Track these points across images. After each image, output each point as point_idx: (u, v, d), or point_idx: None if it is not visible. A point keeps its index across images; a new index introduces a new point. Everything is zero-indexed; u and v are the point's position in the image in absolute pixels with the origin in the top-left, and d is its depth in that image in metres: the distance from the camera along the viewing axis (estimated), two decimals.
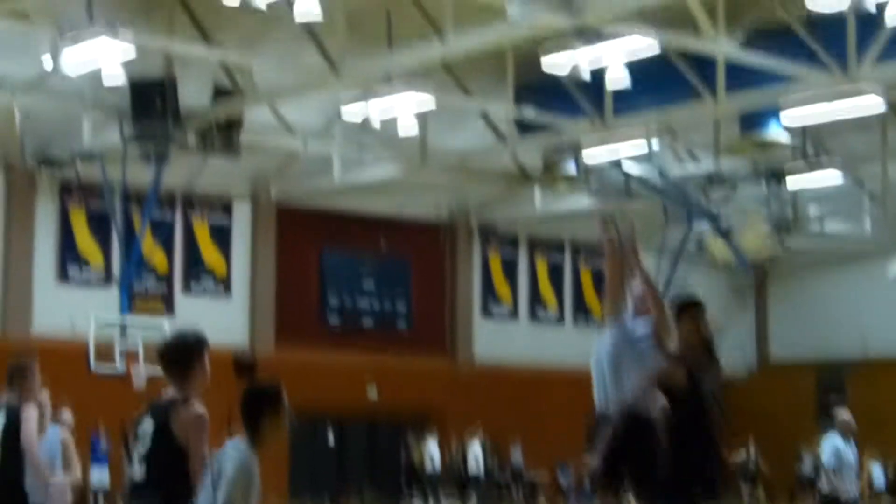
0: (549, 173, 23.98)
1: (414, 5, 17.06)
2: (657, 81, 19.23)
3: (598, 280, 30.77)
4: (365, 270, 27.31)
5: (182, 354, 5.85)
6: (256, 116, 21.32)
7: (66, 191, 23.74)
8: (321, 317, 26.85)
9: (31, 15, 16.68)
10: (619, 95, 19.54)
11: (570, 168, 23.55)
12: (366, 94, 19.56)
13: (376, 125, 20.25)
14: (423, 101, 19.87)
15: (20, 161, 22.73)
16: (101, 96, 20.12)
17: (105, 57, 18.30)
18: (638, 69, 18.01)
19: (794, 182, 23.65)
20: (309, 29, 17.78)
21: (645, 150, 21.96)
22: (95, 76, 19.09)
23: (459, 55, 17.87)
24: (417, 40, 17.63)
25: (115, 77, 18.98)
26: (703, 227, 24.55)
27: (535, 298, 30.01)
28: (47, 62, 18.25)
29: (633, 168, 23.01)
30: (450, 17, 16.59)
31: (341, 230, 26.88)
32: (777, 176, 23.20)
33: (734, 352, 32.34)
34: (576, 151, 22.35)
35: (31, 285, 23.37)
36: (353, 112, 20.57)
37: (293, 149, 22.66)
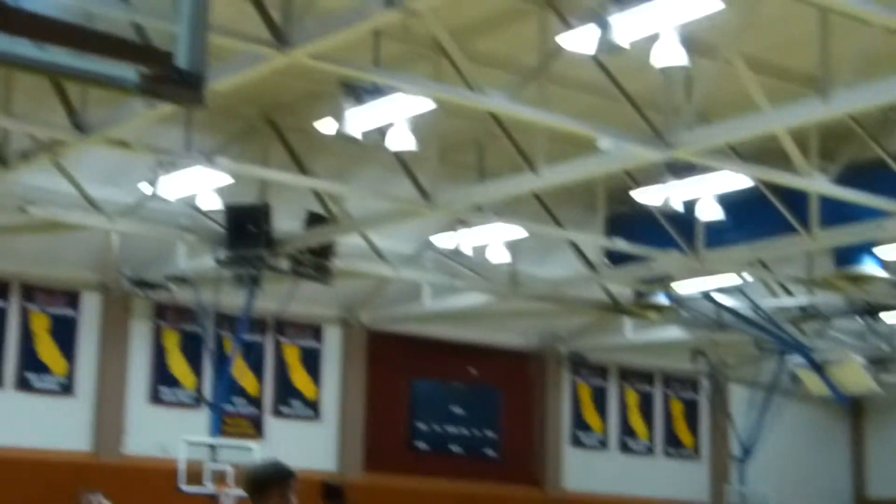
0: (640, 304, 23.85)
1: (506, 137, 17.17)
2: (749, 214, 19.10)
3: (689, 411, 30.40)
4: (454, 397, 27.22)
5: (261, 484, 5.89)
6: (348, 242, 21.52)
7: (159, 313, 24.06)
8: (410, 443, 26.75)
9: (131, 143, 17.07)
10: (711, 227, 19.45)
11: (661, 299, 23.41)
12: (456, 223, 19.72)
13: (467, 253, 20.39)
14: (513, 231, 20.01)
15: (116, 284, 23.17)
16: (196, 221, 20.52)
17: (201, 184, 18.74)
18: (730, 201, 17.96)
19: (890, 316, 23.32)
20: (402, 159, 17.98)
21: (737, 283, 21.80)
22: (191, 202, 19.52)
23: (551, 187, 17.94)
24: (509, 172, 17.74)
25: (210, 203, 19.41)
26: (796, 360, 24.20)
27: (625, 429, 29.67)
28: (145, 188, 18.68)
29: (724, 300, 22.84)
30: (542, 150, 16.70)
31: (431, 356, 26.89)
32: (873, 310, 22.88)
33: (830, 489, 31.67)
34: (667, 283, 22.24)
35: (123, 406, 23.59)
36: (443, 240, 20.74)
37: (384, 275, 22.80)
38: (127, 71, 4.87)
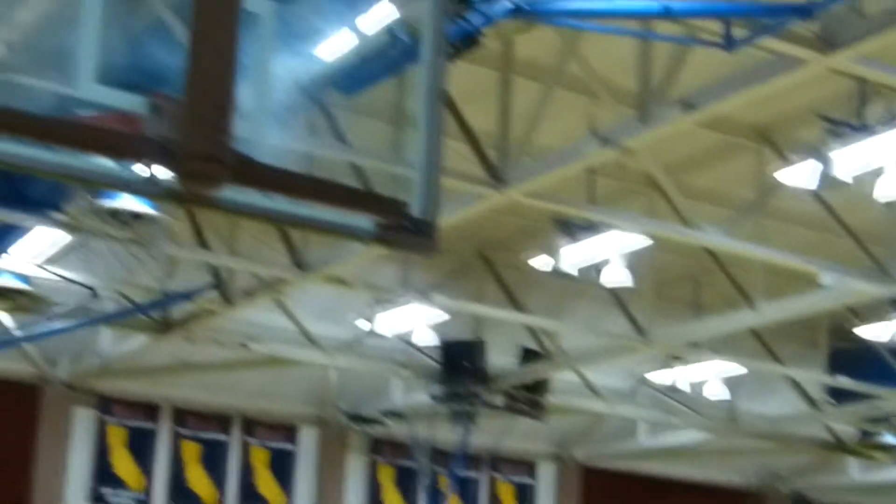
0: (866, 443, 23.04)
1: (722, 273, 16.96)
2: None
3: None
4: None
5: None
6: (562, 378, 21.42)
7: (375, 448, 24.27)
8: None
9: (349, 281, 17.42)
10: None
11: (889, 438, 22.58)
12: (672, 359, 19.47)
13: (684, 389, 20.09)
14: (731, 367, 19.65)
15: (333, 418, 23.52)
16: (411, 357, 20.73)
17: (417, 320, 18.98)
18: None
19: None
20: (616, 294, 17.90)
21: None
22: (407, 337, 19.76)
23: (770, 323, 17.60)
24: (725, 307, 17.48)
25: (425, 338, 19.62)
26: None
27: None
28: (362, 325, 19.02)
29: None
30: (759, 285, 16.43)
31: (648, 494, 26.40)
32: None
33: None
34: (894, 422, 21.47)
35: None
36: (659, 376, 20.49)
37: (598, 411, 22.57)
38: (362, 221, 4.99)
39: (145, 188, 4.75)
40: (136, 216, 13.98)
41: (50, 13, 8.59)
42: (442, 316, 18.97)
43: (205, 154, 4.35)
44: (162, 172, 4.58)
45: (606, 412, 22.59)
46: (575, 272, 15.84)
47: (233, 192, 4.75)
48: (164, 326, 19.19)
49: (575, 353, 20.29)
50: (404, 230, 4.97)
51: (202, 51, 4.29)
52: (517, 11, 9.64)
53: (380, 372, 21.59)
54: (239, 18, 4.42)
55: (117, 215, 13.57)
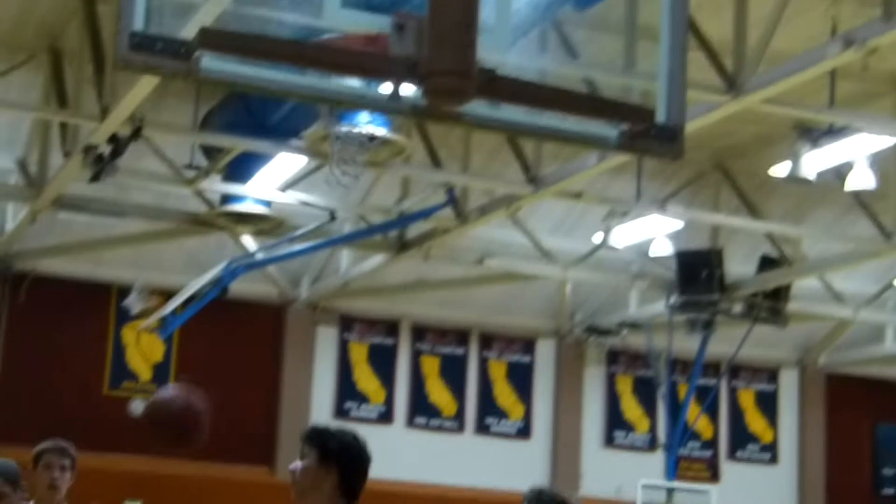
0: None
1: None
2: None
3: None
4: None
5: None
6: (804, 285, 21.01)
7: (612, 359, 24.31)
8: (875, 489, 25.72)
9: (583, 194, 17.40)
10: None
11: None
12: None
13: None
14: None
15: (570, 331, 23.65)
16: (647, 268, 20.65)
17: (652, 231, 18.88)
18: None
19: None
20: (860, 198, 17.42)
21: None
22: (643, 248, 19.68)
23: None
24: None
25: (661, 249, 19.50)
26: None
27: None
28: (597, 237, 19.02)
29: None
30: None
31: (894, 401, 25.80)
32: None
33: None
34: None
35: (578, 449, 23.96)
36: None
37: (843, 317, 22.09)
38: (606, 129, 4.97)
39: (392, 106, 4.82)
40: (373, 139, 14.22)
41: None
42: (677, 226, 18.82)
43: (451, 70, 4.38)
44: (408, 90, 4.64)
45: (851, 318, 22.09)
46: (814, 177, 15.49)
47: (476, 107, 4.79)
48: (402, 246, 19.54)
49: (816, 259, 19.88)
50: (649, 136, 4.93)
51: None
52: None
53: (615, 284, 21.59)
54: None
55: (354, 139, 13.82)
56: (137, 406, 21.08)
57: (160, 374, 21.89)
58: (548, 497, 5.34)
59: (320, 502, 4.33)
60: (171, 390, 5.14)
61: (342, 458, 4.36)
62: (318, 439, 4.41)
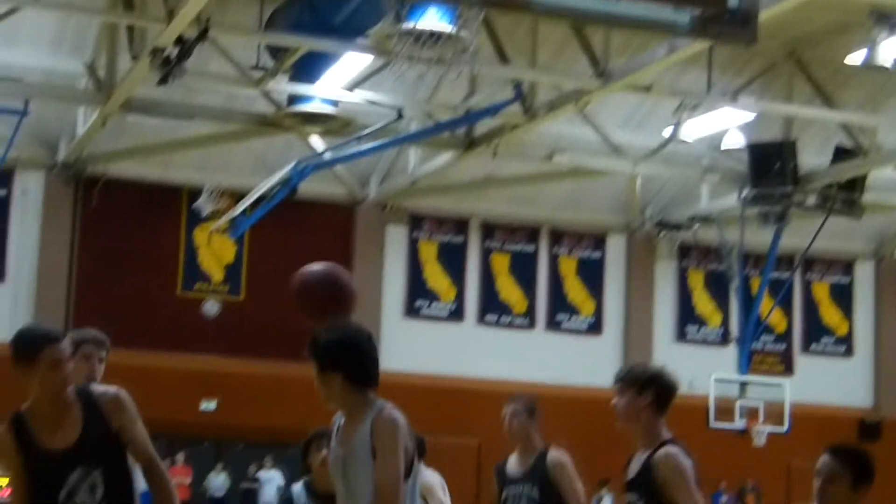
0: None
1: None
2: None
3: None
4: None
5: None
6: (880, 175, 20.67)
7: (684, 253, 24.16)
8: None
9: (653, 88, 17.16)
10: None
11: None
12: None
13: None
14: None
15: (641, 226, 23.49)
16: (719, 161, 20.39)
17: (724, 123, 18.61)
18: None
19: None
20: None
21: None
22: (714, 141, 19.42)
23: None
24: None
25: (733, 142, 19.24)
26: None
27: None
28: (668, 131, 18.77)
29: None
30: None
31: None
32: None
33: None
34: None
35: (650, 344, 23.92)
36: None
37: None
38: (679, 15, 4.83)
39: None
40: (439, 36, 14.03)
41: None
42: (750, 118, 18.54)
43: None
44: None
45: None
46: (891, 65, 15.13)
47: None
48: (470, 143, 19.42)
49: (893, 148, 19.52)
50: (722, 21, 4.80)
51: None
52: None
53: (687, 178, 21.38)
54: None
55: (421, 36, 13.65)
56: (211, 307, 21.47)
57: (232, 274, 22.08)
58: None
59: (337, 400, 4.67)
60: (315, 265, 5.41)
61: (337, 361, 4.65)
62: (313, 352, 4.69)
